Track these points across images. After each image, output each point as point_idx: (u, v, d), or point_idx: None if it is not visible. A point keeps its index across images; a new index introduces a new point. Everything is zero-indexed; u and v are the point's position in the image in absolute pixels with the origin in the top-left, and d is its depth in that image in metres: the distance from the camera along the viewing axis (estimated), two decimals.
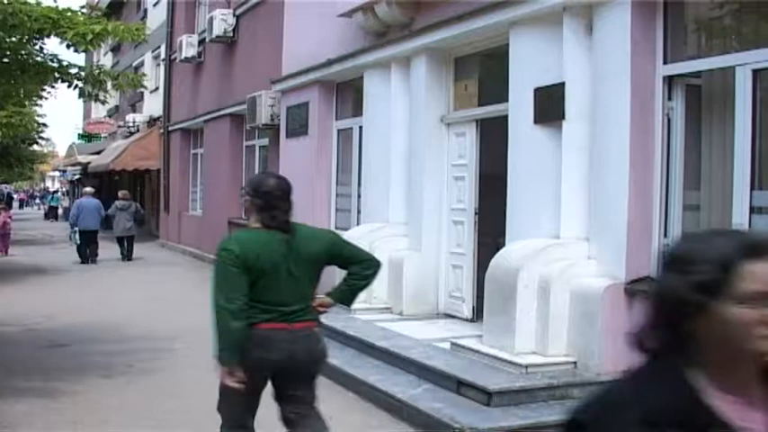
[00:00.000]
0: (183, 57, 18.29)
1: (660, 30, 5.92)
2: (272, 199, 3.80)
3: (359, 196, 10.46)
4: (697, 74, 5.93)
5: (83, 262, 16.21)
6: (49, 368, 6.53)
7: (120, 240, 17.28)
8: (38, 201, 54.03)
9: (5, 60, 7.91)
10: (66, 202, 38.54)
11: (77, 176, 35.05)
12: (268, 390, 3.98)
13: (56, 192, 45.46)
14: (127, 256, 17.09)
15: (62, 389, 6.34)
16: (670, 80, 5.90)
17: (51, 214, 36.70)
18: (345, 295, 4.06)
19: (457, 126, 8.55)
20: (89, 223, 16.33)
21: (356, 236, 9.24)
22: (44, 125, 22.58)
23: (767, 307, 1.35)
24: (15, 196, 48.99)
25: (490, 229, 8.02)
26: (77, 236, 16.35)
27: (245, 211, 3.94)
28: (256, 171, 15.67)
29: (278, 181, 3.98)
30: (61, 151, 46.16)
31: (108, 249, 16.87)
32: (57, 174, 55.50)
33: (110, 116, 28.65)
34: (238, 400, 3.84)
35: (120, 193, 17.99)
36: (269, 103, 13.11)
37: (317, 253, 3.83)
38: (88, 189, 18.22)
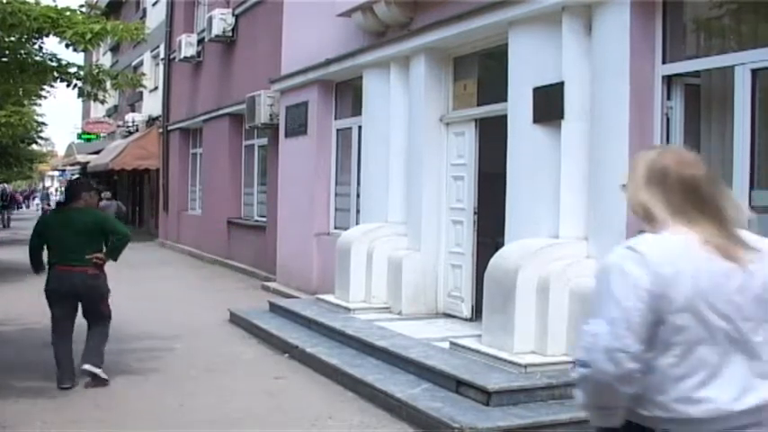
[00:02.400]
0: (182, 56, 18.30)
1: (659, 29, 5.92)
2: (66, 192, 7.10)
3: (358, 196, 10.46)
4: (696, 73, 5.94)
5: None
6: (48, 368, 6.52)
7: None
8: (37, 201, 53.85)
9: (4, 60, 7.90)
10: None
11: (76, 176, 35.03)
12: None
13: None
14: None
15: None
16: (669, 80, 5.90)
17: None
18: (110, 253, 6.49)
19: (456, 125, 8.55)
20: None
21: (355, 235, 9.27)
22: (43, 124, 22.52)
23: None
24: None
25: (489, 228, 8.02)
26: None
27: None
28: (255, 170, 15.72)
29: (70, 183, 7.30)
30: (60, 151, 46.15)
31: None
32: (56, 173, 55.45)
33: (109, 116, 28.64)
34: (55, 318, 6.38)
35: (102, 194, 19.06)
36: (268, 103, 13.12)
37: (88, 226, 6.32)
38: None
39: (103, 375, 6.37)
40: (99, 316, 6.48)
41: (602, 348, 1.89)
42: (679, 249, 1.94)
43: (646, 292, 1.89)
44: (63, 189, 47.35)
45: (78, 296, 6.37)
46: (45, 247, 6.54)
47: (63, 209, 6.62)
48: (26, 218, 36.56)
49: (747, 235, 2.02)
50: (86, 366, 6.30)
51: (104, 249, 6.51)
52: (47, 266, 6.48)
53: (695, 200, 2.00)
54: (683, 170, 2.02)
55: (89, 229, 6.35)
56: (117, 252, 6.55)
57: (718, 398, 1.90)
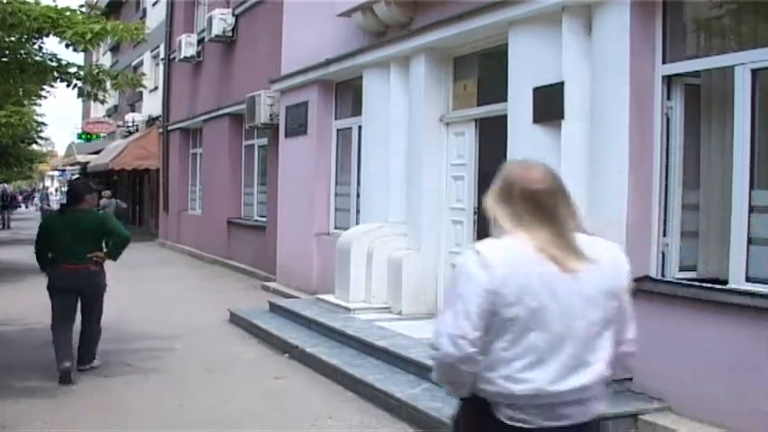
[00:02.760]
0: (182, 56, 18.30)
1: (659, 29, 5.91)
2: (68, 194, 7.19)
3: (358, 196, 10.46)
4: (696, 73, 5.92)
5: None
6: (48, 367, 6.53)
7: None
8: (36, 201, 53.75)
9: (5, 60, 7.92)
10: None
11: (76, 176, 35.02)
12: None
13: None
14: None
15: (61, 388, 6.33)
16: (669, 80, 5.89)
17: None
18: (110, 253, 6.81)
19: (456, 125, 8.55)
20: None
21: (355, 235, 9.27)
22: (43, 124, 22.55)
23: None
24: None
25: (489, 228, 8.01)
26: None
27: None
28: (255, 170, 15.72)
29: (72, 185, 7.56)
30: (60, 151, 46.15)
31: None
32: (56, 173, 55.47)
33: (109, 116, 28.63)
34: (58, 310, 6.63)
35: (102, 193, 19.53)
36: (268, 103, 13.12)
37: (90, 227, 6.66)
38: None
39: (96, 363, 7.02)
40: (96, 310, 6.87)
41: (446, 335, 2.22)
42: (515, 253, 2.24)
43: (483, 289, 2.19)
44: (63, 189, 47.31)
45: (81, 292, 6.70)
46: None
47: (67, 211, 6.86)
48: (26, 218, 36.60)
49: (589, 242, 2.30)
50: (82, 368, 6.86)
51: (104, 248, 6.79)
52: (51, 265, 6.72)
53: (535, 211, 2.28)
54: (527, 185, 2.30)
55: (92, 230, 6.70)
56: (117, 253, 6.87)
57: (539, 379, 2.20)
